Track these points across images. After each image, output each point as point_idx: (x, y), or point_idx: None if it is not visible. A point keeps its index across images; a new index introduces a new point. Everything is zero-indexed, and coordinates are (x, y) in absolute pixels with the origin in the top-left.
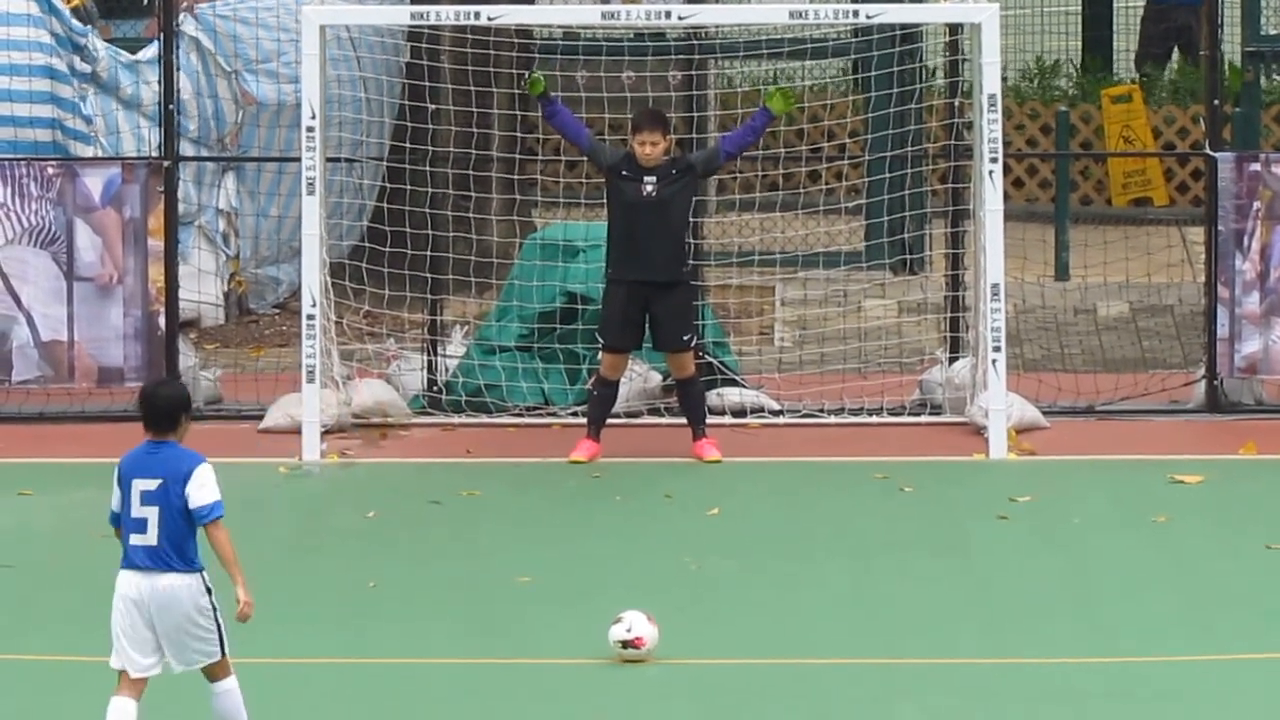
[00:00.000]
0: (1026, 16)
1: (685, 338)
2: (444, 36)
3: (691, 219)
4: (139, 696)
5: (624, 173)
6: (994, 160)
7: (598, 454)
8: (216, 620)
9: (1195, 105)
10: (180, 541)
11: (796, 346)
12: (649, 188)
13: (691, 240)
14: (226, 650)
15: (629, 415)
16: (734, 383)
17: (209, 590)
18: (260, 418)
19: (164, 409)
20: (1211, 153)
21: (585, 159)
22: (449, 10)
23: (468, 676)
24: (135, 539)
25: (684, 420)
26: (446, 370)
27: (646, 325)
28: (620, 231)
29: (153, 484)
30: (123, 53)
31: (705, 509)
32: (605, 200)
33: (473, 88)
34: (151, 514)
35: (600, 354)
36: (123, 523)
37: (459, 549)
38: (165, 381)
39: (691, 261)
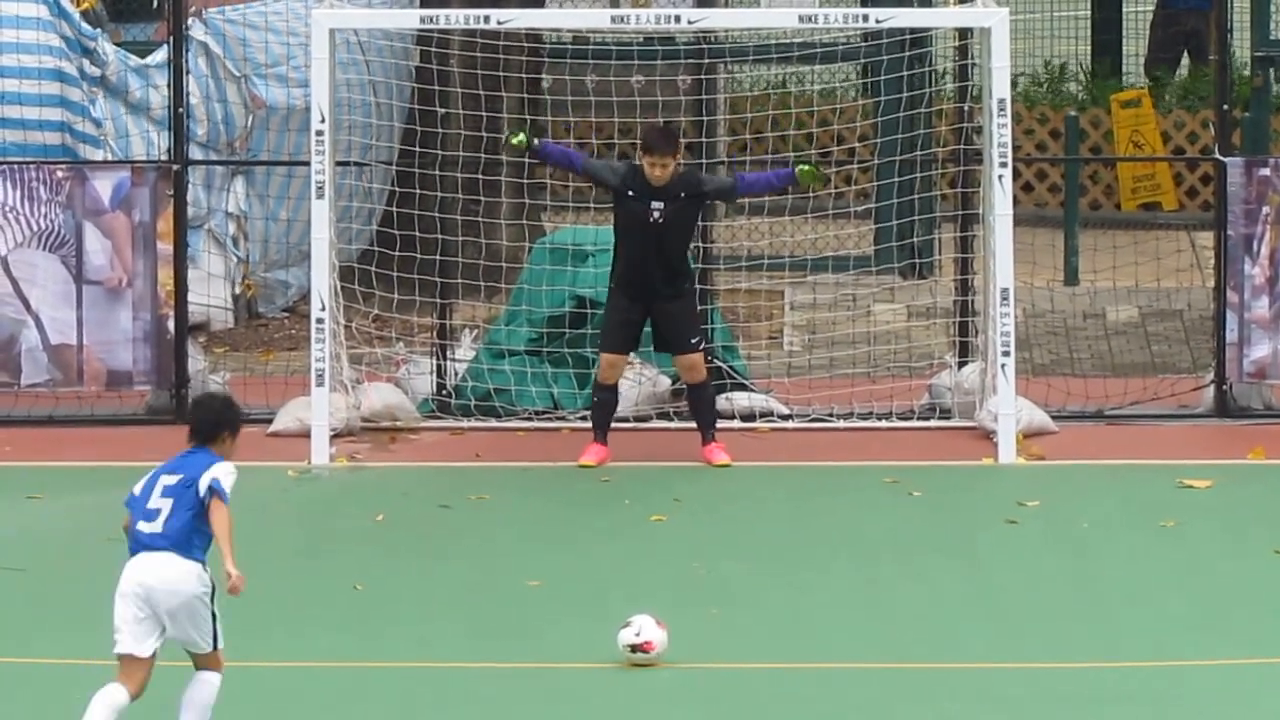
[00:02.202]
0: (1036, 21)
1: (693, 340)
2: (453, 40)
3: (703, 222)
4: (136, 691)
5: (630, 193)
6: (1003, 165)
7: (607, 458)
8: (213, 613)
9: (1205, 110)
10: (187, 533)
11: (805, 351)
12: (656, 213)
13: (700, 244)
14: (219, 645)
15: (638, 419)
16: (743, 387)
17: (209, 584)
18: (269, 421)
19: (203, 421)
20: (1221, 157)
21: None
22: (458, 14)
23: (477, 680)
24: (144, 525)
25: (693, 424)
26: (456, 374)
27: (646, 329)
28: (625, 249)
29: (174, 479)
30: (132, 56)
31: (712, 513)
32: (612, 211)
33: (482, 92)
34: (166, 505)
35: (598, 357)
36: (133, 509)
37: (468, 553)
38: (215, 396)
39: (699, 265)
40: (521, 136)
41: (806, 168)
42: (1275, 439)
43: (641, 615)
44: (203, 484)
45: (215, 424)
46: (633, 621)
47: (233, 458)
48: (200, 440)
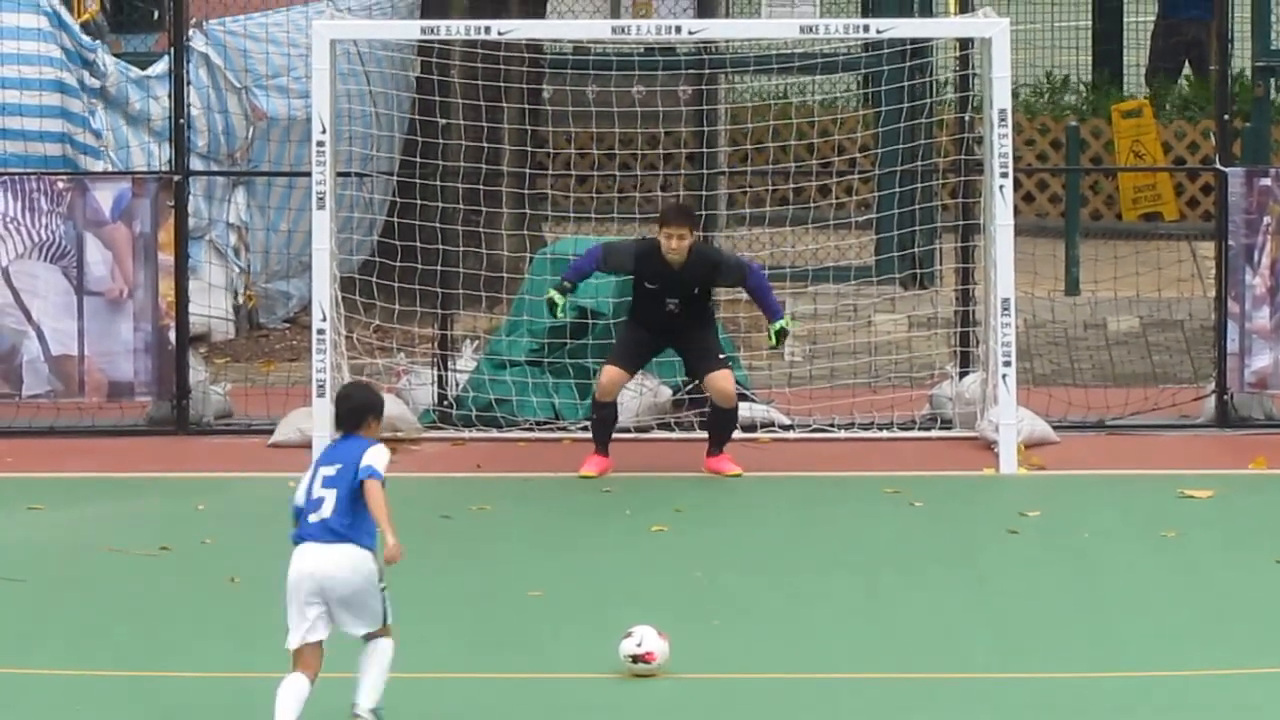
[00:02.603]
0: (1037, 31)
1: (720, 355)
2: (454, 51)
3: (704, 233)
4: (314, 676)
5: (647, 284)
6: (1004, 175)
7: (608, 468)
8: (383, 594)
9: (1205, 120)
10: (354, 522)
11: (806, 361)
12: (672, 306)
13: None
14: (389, 621)
15: (639, 430)
16: (744, 397)
17: (378, 569)
18: (271, 432)
19: (348, 410)
20: (1221, 168)
21: (597, 175)
22: (459, 24)
23: (478, 691)
24: (312, 516)
25: (693, 435)
26: (457, 385)
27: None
28: (641, 313)
29: (333, 469)
30: (132, 68)
31: (713, 524)
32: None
33: (483, 102)
34: (329, 495)
35: (601, 368)
36: (302, 505)
37: (469, 563)
38: (356, 385)
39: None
40: (561, 299)
41: (778, 326)
42: (1276, 449)
43: (643, 626)
44: (360, 463)
45: (360, 411)
46: (634, 632)
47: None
48: (348, 429)
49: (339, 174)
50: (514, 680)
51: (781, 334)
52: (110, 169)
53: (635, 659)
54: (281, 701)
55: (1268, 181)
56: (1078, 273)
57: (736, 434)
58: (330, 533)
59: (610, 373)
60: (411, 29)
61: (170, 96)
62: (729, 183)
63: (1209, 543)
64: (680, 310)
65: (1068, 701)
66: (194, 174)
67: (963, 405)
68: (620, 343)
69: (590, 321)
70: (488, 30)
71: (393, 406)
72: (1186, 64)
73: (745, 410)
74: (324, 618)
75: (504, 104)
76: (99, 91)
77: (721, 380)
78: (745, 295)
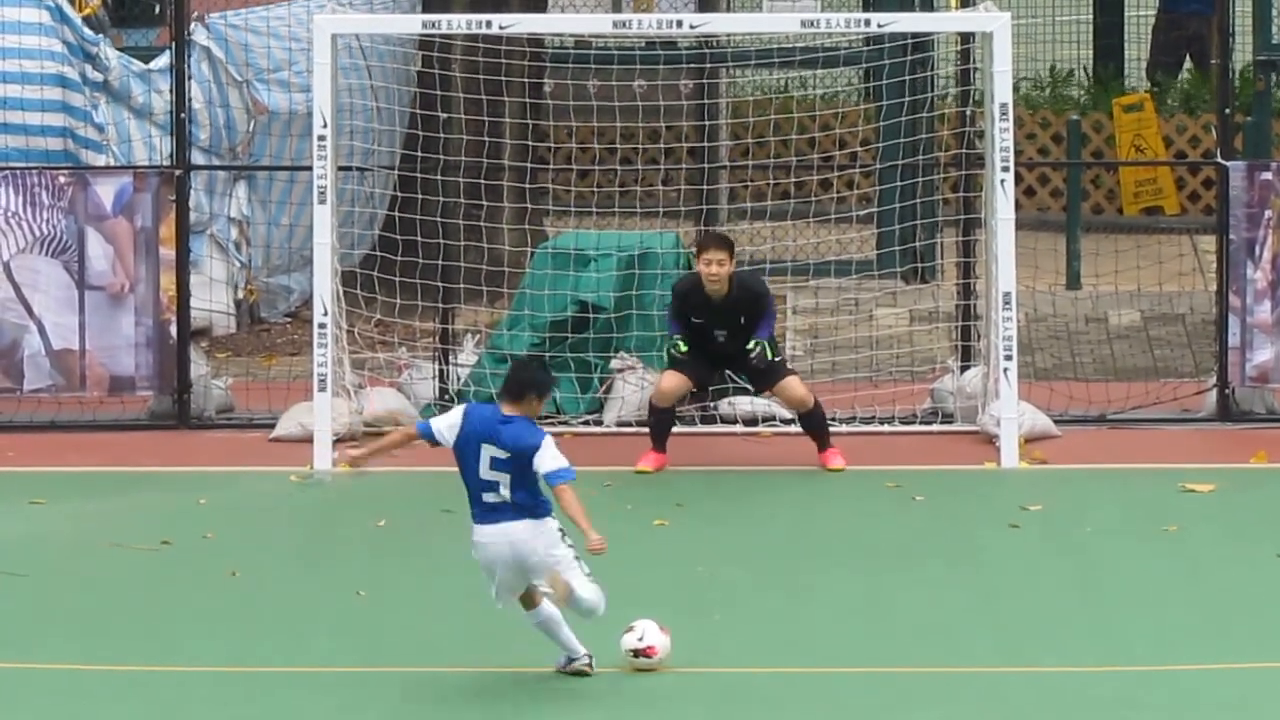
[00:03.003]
0: (1038, 25)
1: (777, 360)
2: (455, 45)
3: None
4: (540, 601)
5: (694, 319)
6: (1005, 169)
7: (664, 464)
8: (570, 547)
9: (1206, 114)
10: (530, 497)
11: (808, 355)
12: (720, 336)
13: None
14: (583, 569)
15: (639, 424)
16: (746, 391)
17: (560, 529)
18: (272, 426)
19: (515, 382)
20: (1223, 161)
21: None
22: (460, 19)
23: (479, 684)
24: (488, 497)
25: (695, 429)
26: (458, 379)
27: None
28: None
29: (503, 454)
30: (134, 61)
31: (714, 518)
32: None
33: (484, 96)
34: (503, 479)
35: (661, 374)
36: (468, 479)
37: (470, 557)
38: (530, 362)
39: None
40: (683, 347)
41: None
42: (1277, 443)
43: (645, 620)
44: (540, 470)
45: (525, 386)
46: (635, 626)
47: (536, 415)
48: (510, 399)
49: (340, 168)
50: (516, 674)
51: (759, 349)
52: (113, 163)
53: (636, 653)
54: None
55: (1269, 175)
56: (1079, 267)
57: (738, 428)
58: (512, 513)
59: (671, 378)
60: (413, 23)
61: (171, 91)
62: (730, 177)
63: (1210, 537)
64: (728, 340)
65: (1068, 696)
66: (195, 168)
67: (964, 399)
68: (684, 354)
69: (591, 315)
70: (489, 25)
71: (394, 400)
72: (1188, 58)
73: (747, 404)
74: (523, 579)
75: (505, 98)
76: (101, 85)
77: (789, 389)
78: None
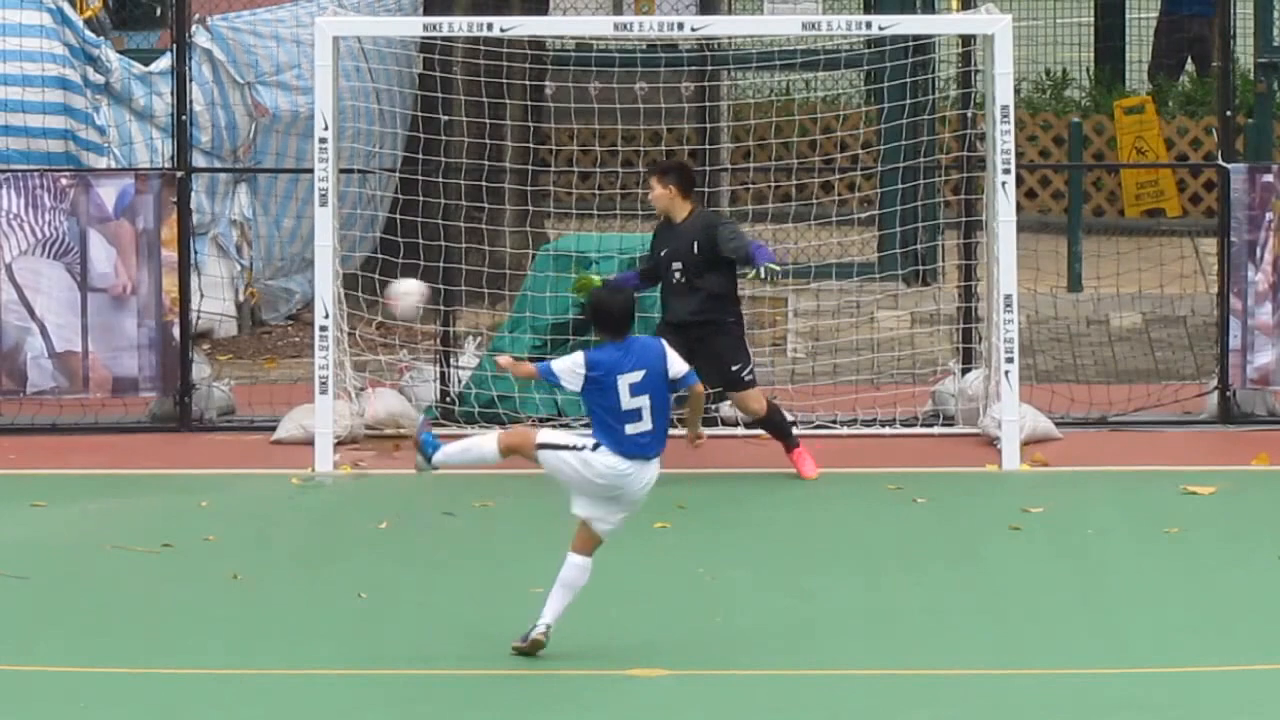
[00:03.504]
0: (1039, 28)
1: (734, 368)
2: (456, 47)
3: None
4: (591, 552)
5: (661, 252)
6: (1007, 171)
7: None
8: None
9: (1208, 116)
10: (664, 423)
11: (809, 357)
12: (677, 274)
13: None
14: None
15: None
16: None
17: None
18: (273, 429)
19: (618, 315)
20: (1224, 164)
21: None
22: (462, 21)
23: (480, 686)
24: (631, 428)
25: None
26: (459, 381)
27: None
28: (665, 308)
29: (638, 375)
30: (136, 64)
31: (716, 520)
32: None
33: (485, 99)
34: (644, 402)
35: None
36: (609, 414)
37: (472, 559)
38: (614, 290)
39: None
40: (592, 280)
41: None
42: (1278, 445)
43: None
44: (673, 375)
45: (624, 317)
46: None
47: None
48: (621, 334)
49: (341, 170)
50: (516, 676)
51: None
52: (115, 165)
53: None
54: (568, 573)
55: (1270, 178)
56: (1080, 269)
57: (739, 431)
58: (652, 446)
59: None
60: (414, 25)
61: (173, 93)
62: (732, 179)
63: (1211, 539)
64: (684, 278)
65: (1070, 697)
66: (197, 170)
67: (965, 402)
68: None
69: None
70: (490, 27)
71: (395, 403)
72: (1189, 60)
73: None
74: (611, 512)
75: (506, 100)
76: (103, 87)
77: (745, 400)
78: (749, 290)
